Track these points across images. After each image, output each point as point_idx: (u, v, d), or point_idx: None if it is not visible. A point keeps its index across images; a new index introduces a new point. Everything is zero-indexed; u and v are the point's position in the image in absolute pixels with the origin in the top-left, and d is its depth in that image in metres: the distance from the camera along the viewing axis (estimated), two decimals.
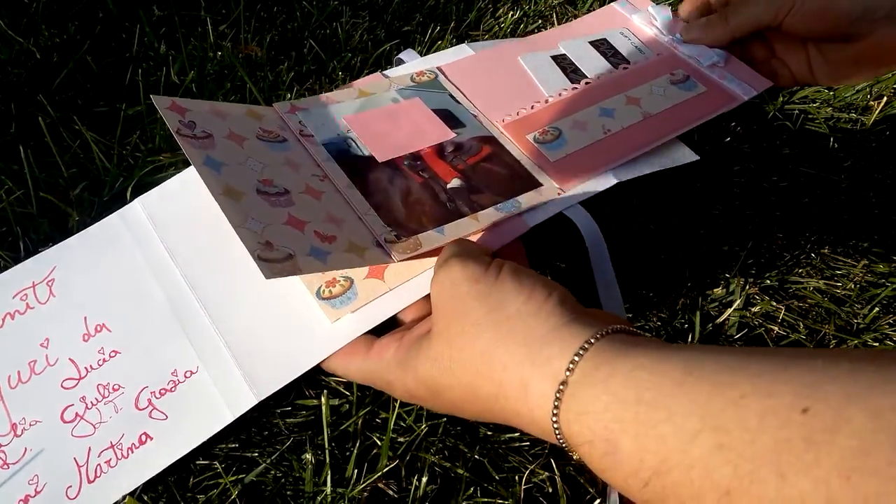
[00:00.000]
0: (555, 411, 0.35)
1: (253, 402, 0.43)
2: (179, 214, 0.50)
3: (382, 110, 0.57)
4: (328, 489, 0.44)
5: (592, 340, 0.35)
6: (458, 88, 0.60)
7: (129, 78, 0.71)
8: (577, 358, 0.35)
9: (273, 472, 0.45)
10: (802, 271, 0.64)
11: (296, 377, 0.44)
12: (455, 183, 0.52)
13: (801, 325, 0.60)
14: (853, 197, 0.72)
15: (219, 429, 0.43)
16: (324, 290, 0.46)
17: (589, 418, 0.33)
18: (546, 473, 0.48)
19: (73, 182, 0.60)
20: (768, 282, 0.62)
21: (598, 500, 0.46)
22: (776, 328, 0.59)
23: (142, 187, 0.61)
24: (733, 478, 0.27)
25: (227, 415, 0.43)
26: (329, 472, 0.45)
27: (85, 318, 0.47)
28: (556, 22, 0.90)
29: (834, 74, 0.61)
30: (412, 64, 0.63)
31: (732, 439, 0.28)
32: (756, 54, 0.64)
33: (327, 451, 0.45)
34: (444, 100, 0.59)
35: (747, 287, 0.61)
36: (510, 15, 0.89)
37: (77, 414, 0.43)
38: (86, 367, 0.45)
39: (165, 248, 0.49)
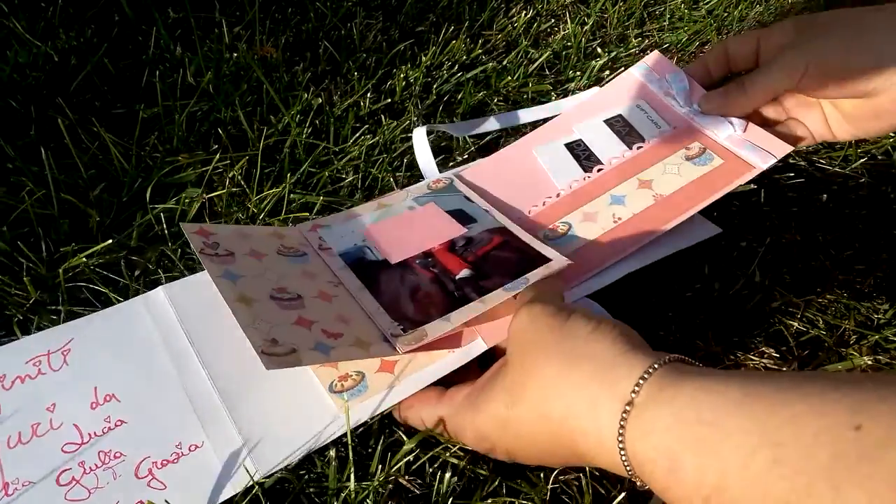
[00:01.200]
0: (621, 431, 0.36)
1: (255, 478, 0.44)
2: (201, 304, 0.52)
3: (398, 217, 0.59)
4: (352, 485, 0.44)
5: (656, 366, 0.37)
6: (473, 191, 0.61)
7: (146, 80, 0.71)
8: (641, 381, 0.37)
9: (297, 469, 0.45)
10: (821, 267, 0.64)
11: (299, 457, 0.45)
12: (464, 273, 0.53)
13: (821, 321, 0.60)
14: (872, 192, 0.72)
15: (218, 503, 0.43)
16: (336, 384, 0.47)
17: (653, 437, 0.35)
18: (573, 474, 0.47)
19: (92, 183, 0.61)
20: (787, 277, 0.62)
21: (622, 495, 0.46)
22: (796, 323, 0.59)
23: (160, 188, 0.61)
24: (790, 491, 0.29)
25: (228, 489, 0.43)
26: (353, 468, 0.45)
27: (95, 387, 0.47)
28: (569, 21, 0.90)
29: (854, 130, 0.60)
30: (431, 175, 0.64)
31: (789, 455, 0.29)
32: (770, 115, 0.63)
33: (350, 448, 0.45)
34: (458, 201, 0.60)
35: (766, 283, 0.61)
36: (523, 14, 0.89)
37: (73, 478, 0.43)
38: (90, 434, 0.45)
39: (184, 331, 0.50)
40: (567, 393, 0.39)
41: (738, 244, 0.65)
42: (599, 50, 0.87)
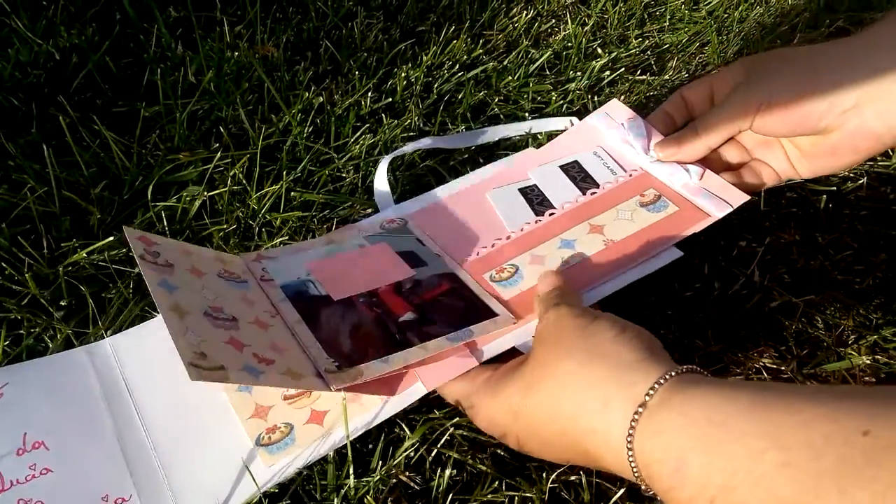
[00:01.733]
0: (630, 431, 0.37)
1: None
2: (145, 357, 0.51)
3: (346, 255, 0.58)
4: (351, 482, 0.44)
5: (674, 373, 0.38)
6: (424, 233, 0.61)
7: (147, 78, 0.71)
8: (657, 385, 0.38)
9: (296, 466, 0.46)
10: (820, 267, 0.64)
11: None
12: (408, 316, 0.53)
13: (820, 321, 0.60)
14: (871, 193, 0.72)
15: None
16: (263, 437, 0.47)
17: (662, 438, 0.36)
18: (573, 473, 0.48)
19: (93, 181, 0.61)
20: (786, 277, 0.62)
21: (621, 491, 0.46)
22: (795, 323, 0.59)
23: (161, 186, 0.61)
24: (797, 493, 0.29)
25: None
26: (351, 465, 0.45)
27: (25, 433, 0.46)
28: (569, 22, 0.90)
29: (812, 167, 0.60)
30: (383, 213, 0.63)
31: (798, 457, 0.30)
32: (733, 157, 0.63)
33: (349, 445, 0.45)
34: (410, 243, 0.60)
35: (765, 282, 0.61)
36: (524, 14, 0.89)
37: None
38: (11, 481, 0.43)
39: (124, 382, 0.50)
40: (581, 390, 0.40)
41: (737, 244, 0.65)
42: (600, 50, 0.87)
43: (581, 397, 0.40)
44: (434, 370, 0.49)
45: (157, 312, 0.51)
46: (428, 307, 0.53)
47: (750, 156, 0.63)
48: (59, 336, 0.51)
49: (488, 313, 0.53)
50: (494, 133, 0.72)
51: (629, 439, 0.37)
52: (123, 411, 0.48)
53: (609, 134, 0.66)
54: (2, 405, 0.47)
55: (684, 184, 0.61)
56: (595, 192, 0.62)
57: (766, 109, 0.56)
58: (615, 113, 0.67)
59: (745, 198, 0.58)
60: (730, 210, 0.58)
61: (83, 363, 0.50)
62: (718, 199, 0.59)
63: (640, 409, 0.37)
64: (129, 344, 0.51)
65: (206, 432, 0.47)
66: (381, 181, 0.65)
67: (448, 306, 0.54)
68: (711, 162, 0.62)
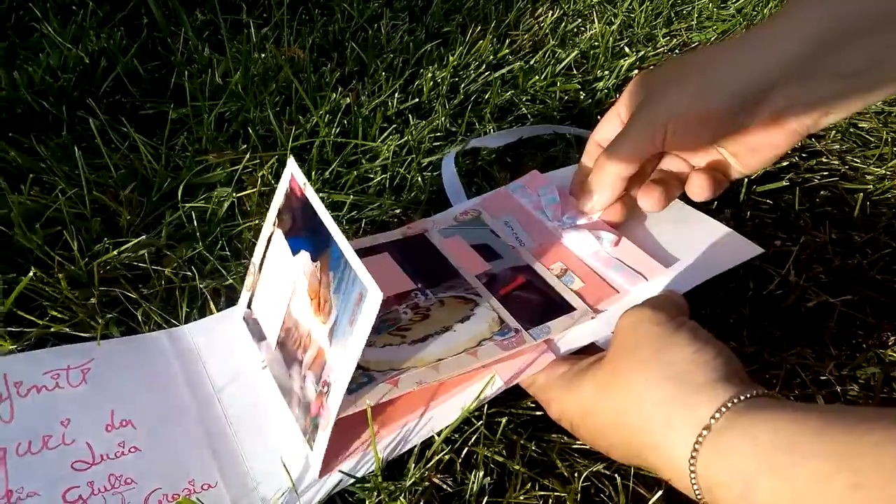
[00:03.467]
0: (693, 453, 0.37)
1: None
2: (219, 347, 0.51)
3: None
4: (383, 483, 0.44)
5: (742, 397, 0.38)
6: (498, 221, 0.61)
7: (175, 81, 0.71)
8: (724, 409, 0.37)
9: None
10: (857, 267, 0.63)
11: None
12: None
13: (858, 322, 0.59)
14: None
15: None
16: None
17: (728, 460, 0.35)
18: (604, 470, 0.47)
19: (122, 183, 0.61)
20: (822, 276, 0.61)
21: (658, 494, 0.45)
22: (832, 323, 0.58)
23: (190, 188, 0.61)
24: None
25: None
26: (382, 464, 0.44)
27: (112, 410, 0.46)
28: (596, 21, 0.89)
29: (741, 168, 0.56)
30: (459, 206, 0.63)
31: (869, 480, 0.30)
32: (674, 170, 0.59)
33: (375, 445, 0.44)
34: (484, 235, 0.59)
35: (801, 282, 0.60)
36: (550, 14, 0.89)
37: (80, 497, 0.42)
38: (101, 455, 0.44)
39: (204, 368, 0.50)
40: (647, 408, 0.40)
41: (771, 243, 0.63)
42: (627, 49, 0.86)
43: (647, 413, 0.40)
44: (511, 365, 0.49)
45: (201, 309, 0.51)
46: (504, 301, 0.53)
47: (691, 167, 0.58)
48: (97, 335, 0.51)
49: (566, 308, 0.53)
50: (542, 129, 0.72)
51: (692, 461, 0.37)
52: (205, 398, 0.48)
53: (522, 202, 0.62)
54: (90, 379, 0.48)
55: (595, 252, 0.57)
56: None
57: (674, 126, 0.53)
58: (531, 182, 0.64)
59: (662, 269, 0.55)
60: (643, 283, 0.54)
61: (165, 348, 0.51)
62: (631, 271, 0.55)
63: (705, 432, 0.37)
64: (203, 334, 0.52)
65: (277, 422, 0.47)
66: (448, 176, 0.65)
67: (525, 300, 0.53)
68: (652, 189, 0.57)
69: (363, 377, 0.45)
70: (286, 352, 0.48)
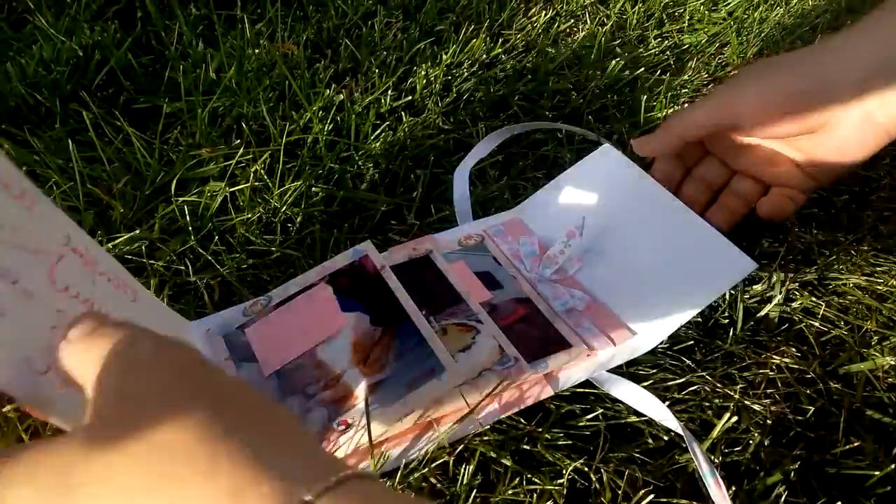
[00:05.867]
0: None
1: None
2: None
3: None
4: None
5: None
6: (500, 250, 0.61)
7: (168, 76, 0.72)
8: None
9: None
10: (842, 267, 0.63)
11: None
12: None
13: (842, 322, 0.60)
14: (894, 193, 0.71)
15: None
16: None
17: None
18: (587, 465, 0.47)
19: (116, 176, 0.61)
20: (808, 277, 0.62)
21: (650, 497, 0.46)
22: (817, 323, 0.59)
23: (184, 182, 0.62)
24: None
25: None
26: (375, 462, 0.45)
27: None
28: (588, 22, 0.90)
29: (821, 172, 0.58)
30: (463, 228, 0.62)
31: None
32: (741, 190, 0.62)
33: (367, 430, 0.45)
34: (487, 262, 0.60)
35: (787, 283, 0.61)
36: (543, 14, 0.89)
37: None
38: None
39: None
40: None
41: (758, 244, 0.64)
42: (619, 50, 0.87)
43: None
44: (510, 396, 0.50)
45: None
46: (505, 333, 0.52)
47: (764, 191, 0.62)
48: None
49: (563, 343, 0.53)
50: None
51: None
52: None
53: (502, 248, 0.61)
54: None
55: (569, 308, 0.57)
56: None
57: (762, 107, 0.54)
58: (512, 230, 0.63)
59: (629, 337, 0.55)
60: (610, 347, 0.54)
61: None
62: (600, 335, 0.55)
63: None
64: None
65: None
66: (460, 193, 0.65)
67: (524, 334, 0.53)
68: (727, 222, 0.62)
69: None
70: (289, 382, 0.48)
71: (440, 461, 0.46)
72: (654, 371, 0.54)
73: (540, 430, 0.49)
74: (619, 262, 0.60)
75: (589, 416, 0.50)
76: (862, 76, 0.51)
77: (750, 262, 0.56)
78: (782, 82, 0.54)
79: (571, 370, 0.53)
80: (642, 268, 0.59)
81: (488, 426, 0.49)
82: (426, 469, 0.46)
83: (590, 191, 0.63)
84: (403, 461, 0.45)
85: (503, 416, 0.49)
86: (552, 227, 0.62)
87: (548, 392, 0.51)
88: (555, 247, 0.60)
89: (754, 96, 0.55)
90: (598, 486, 0.47)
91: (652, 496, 0.46)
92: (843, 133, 0.54)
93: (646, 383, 0.53)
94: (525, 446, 0.48)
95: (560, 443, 0.49)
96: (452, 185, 0.65)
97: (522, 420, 0.50)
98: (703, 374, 0.54)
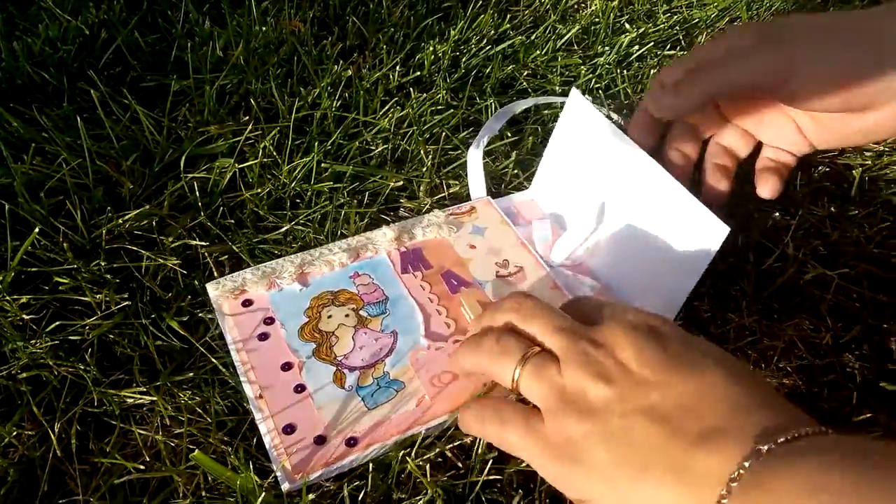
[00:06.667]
0: None
1: None
2: None
3: None
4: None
5: (746, 464, 0.31)
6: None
7: (176, 54, 0.71)
8: (731, 484, 0.31)
9: None
10: (855, 240, 0.63)
11: None
12: None
13: (855, 294, 0.59)
14: None
15: None
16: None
17: None
18: None
19: (124, 153, 0.61)
20: (820, 250, 0.62)
21: None
22: (829, 295, 0.59)
23: (192, 159, 0.62)
24: None
25: None
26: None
27: None
28: None
29: (831, 140, 0.55)
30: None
31: None
32: (774, 158, 0.59)
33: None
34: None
35: (799, 255, 0.60)
36: None
37: None
38: None
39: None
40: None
41: (770, 217, 0.64)
42: (628, 26, 0.86)
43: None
44: None
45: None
46: None
47: (748, 148, 0.59)
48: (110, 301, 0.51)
49: None
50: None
51: None
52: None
53: (518, 230, 0.61)
54: None
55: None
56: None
57: (815, 78, 0.49)
58: (525, 211, 0.63)
59: None
60: None
61: None
62: None
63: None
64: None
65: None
66: (474, 172, 0.64)
67: None
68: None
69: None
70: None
71: (458, 442, 0.46)
72: None
73: None
74: (617, 243, 0.58)
75: None
76: None
77: (723, 227, 0.51)
78: (840, 54, 0.48)
79: None
80: (637, 249, 0.57)
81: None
82: (443, 442, 0.46)
83: (579, 159, 0.60)
84: (422, 434, 0.45)
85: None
86: (562, 206, 0.61)
87: None
88: (568, 238, 0.59)
89: (812, 64, 0.49)
90: None
91: None
92: (877, 117, 0.50)
93: None
94: None
95: None
96: (461, 160, 0.65)
97: None
98: None
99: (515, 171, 0.66)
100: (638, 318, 0.41)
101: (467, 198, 0.63)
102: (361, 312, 0.53)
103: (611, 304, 0.44)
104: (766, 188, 0.59)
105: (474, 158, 0.64)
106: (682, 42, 0.86)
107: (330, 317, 0.52)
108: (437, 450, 0.45)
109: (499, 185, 0.65)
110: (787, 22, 0.52)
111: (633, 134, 0.57)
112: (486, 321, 0.46)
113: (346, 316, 0.52)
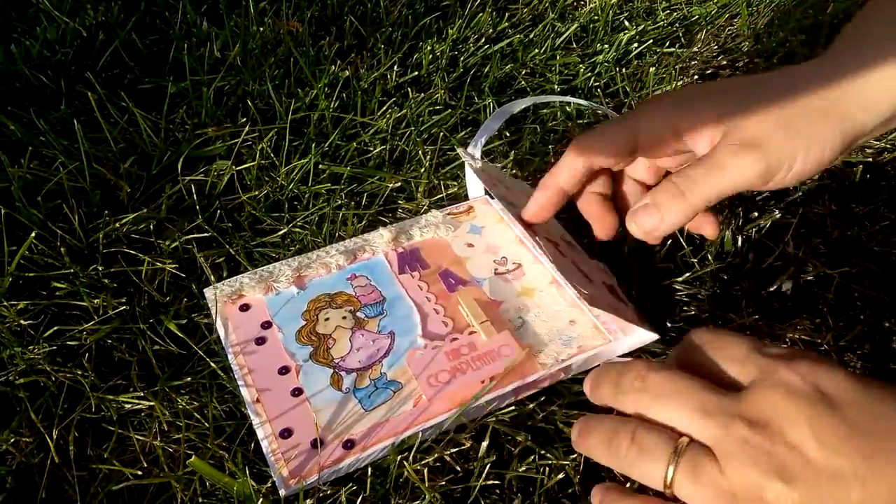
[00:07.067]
0: None
1: None
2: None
3: None
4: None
5: None
6: None
7: (173, 55, 0.71)
8: None
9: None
10: (856, 238, 0.63)
11: None
12: None
13: (856, 293, 0.59)
14: None
15: None
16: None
17: None
18: None
19: (122, 156, 0.61)
20: (821, 248, 0.61)
21: None
22: (830, 295, 0.58)
23: (190, 161, 0.61)
24: None
25: None
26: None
27: None
28: None
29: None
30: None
31: None
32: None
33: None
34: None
35: (799, 254, 0.60)
36: None
37: None
38: None
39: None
40: None
41: (771, 216, 0.64)
42: (627, 23, 0.86)
43: None
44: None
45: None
46: None
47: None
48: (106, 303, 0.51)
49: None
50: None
51: None
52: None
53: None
54: None
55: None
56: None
57: (791, 169, 0.44)
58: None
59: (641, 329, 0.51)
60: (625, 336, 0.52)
61: None
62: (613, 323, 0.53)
63: None
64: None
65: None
66: (472, 174, 0.63)
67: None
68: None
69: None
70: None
71: (460, 447, 0.46)
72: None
73: (554, 408, 0.49)
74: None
75: None
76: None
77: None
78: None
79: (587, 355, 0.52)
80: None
81: (505, 405, 0.48)
82: (441, 446, 0.45)
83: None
84: (419, 438, 0.45)
85: (515, 398, 0.49)
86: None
87: (561, 376, 0.50)
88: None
89: (794, 165, 0.44)
90: None
91: None
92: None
93: None
94: (540, 424, 0.48)
95: (573, 421, 0.48)
96: (460, 161, 0.65)
97: (533, 403, 0.49)
98: None
99: (514, 171, 0.66)
100: (797, 377, 0.33)
101: (465, 199, 0.63)
102: (359, 314, 0.53)
103: (747, 351, 0.36)
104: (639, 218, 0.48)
105: (472, 159, 0.64)
106: (682, 39, 0.85)
107: (327, 319, 0.52)
108: (436, 455, 0.45)
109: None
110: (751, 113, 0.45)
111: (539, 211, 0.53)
112: (608, 399, 0.39)
113: (344, 318, 0.52)
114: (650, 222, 0.46)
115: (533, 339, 0.51)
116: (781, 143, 0.43)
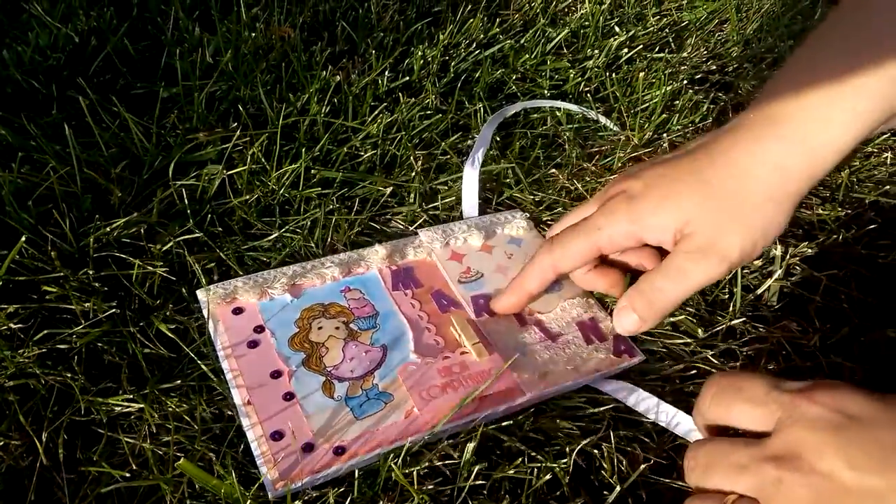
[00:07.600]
0: None
1: None
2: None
3: None
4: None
5: None
6: None
7: (165, 61, 0.71)
8: None
9: None
10: (843, 241, 0.63)
11: None
12: None
13: (843, 296, 0.59)
14: (893, 168, 0.71)
15: None
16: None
17: None
18: (596, 448, 0.47)
19: (113, 161, 0.61)
20: (808, 252, 0.62)
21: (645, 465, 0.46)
22: (817, 297, 0.59)
23: (181, 166, 0.62)
24: None
25: None
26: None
27: None
28: (586, 0, 0.89)
29: None
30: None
31: None
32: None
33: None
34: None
35: (787, 257, 0.61)
36: None
37: None
38: None
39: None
40: None
41: None
42: (617, 29, 0.86)
43: None
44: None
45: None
46: None
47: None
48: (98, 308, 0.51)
49: None
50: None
51: None
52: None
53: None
54: None
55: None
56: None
57: (750, 253, 0.49)
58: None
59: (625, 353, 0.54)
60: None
61: None
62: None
63: None
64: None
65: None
66: (469, 185, 0.64)
67: None
68: None
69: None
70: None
71: (447, 458, 0.46)
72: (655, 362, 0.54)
73: (544, 420, 0.49)
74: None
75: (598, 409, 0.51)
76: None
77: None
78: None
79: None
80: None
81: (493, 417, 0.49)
82: (433, 454, 0.46)
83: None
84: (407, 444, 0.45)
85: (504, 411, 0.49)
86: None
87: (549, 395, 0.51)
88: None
89: (752, 252, 0.50)
90: (602, 463, 0.47)
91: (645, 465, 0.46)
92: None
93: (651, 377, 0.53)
94: (530, 434, 0.48)
95: (564, 430, 0.48)
96: (451, 165, 0.65)
97: (521, 415, 0.50)
98: (704, 353, 0.54)
99: (506, 179, 0.66)
100: (819, 408, 0.34)
101: (457, 204, 0.63)
102: (352, 325, 0.53)
103: (766, 389, 0.37)
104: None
105: (470, 177, 0.64)
106: (672, 44, 0.86)
107: (320, 328, 0.52)
108: (426, 463, 0.45)
109: (494, 183, 0.65)
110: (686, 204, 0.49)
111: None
112: (691, 483, 0.39)
113: (337, 328, 0.52)
114: (631, 325, 0.51)
115: (524, 363, 0.52)
116: (737, 240, 0.48)
